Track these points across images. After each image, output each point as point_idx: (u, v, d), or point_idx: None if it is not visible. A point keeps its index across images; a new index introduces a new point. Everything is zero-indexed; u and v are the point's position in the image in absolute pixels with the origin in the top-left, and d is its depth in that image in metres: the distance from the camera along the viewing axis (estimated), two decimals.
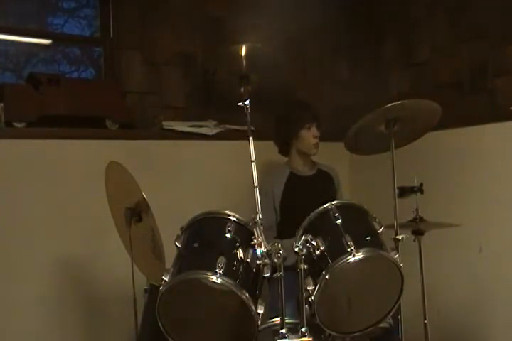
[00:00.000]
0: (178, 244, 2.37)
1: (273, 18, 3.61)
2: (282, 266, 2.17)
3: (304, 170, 3.30)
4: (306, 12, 3.94)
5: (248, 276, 2.27)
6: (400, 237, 2.56)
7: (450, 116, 2.78)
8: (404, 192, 2.79)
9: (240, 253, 2.28)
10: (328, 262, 2.28)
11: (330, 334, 2.34)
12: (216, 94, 3.39)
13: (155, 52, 3.70)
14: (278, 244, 2.18)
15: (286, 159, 3.34)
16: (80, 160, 3.24)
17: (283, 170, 3.29)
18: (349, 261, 2.25)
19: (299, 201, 3.13)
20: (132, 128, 3.49)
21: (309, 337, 2.18)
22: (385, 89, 3.99)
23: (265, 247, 2.18)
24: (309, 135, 3.21)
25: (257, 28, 3.45)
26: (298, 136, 3.22)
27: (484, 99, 3.49)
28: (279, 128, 3.29)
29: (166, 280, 2.21)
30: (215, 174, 3.60)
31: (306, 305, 2.23)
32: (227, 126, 3.67)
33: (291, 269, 2.25)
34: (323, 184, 3.32)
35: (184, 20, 3.76)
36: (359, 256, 2.26)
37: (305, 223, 2.44)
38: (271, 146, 3.33)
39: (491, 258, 3.28)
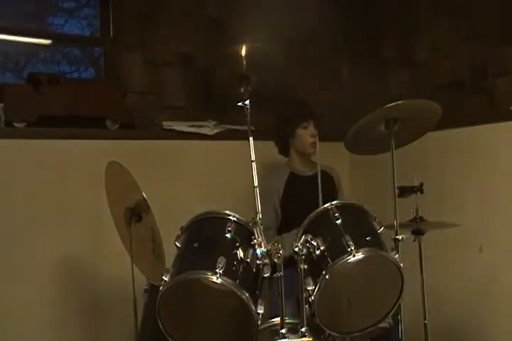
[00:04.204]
0: (178, 244, 2.37)
1: (273, 18, 3.60)
2: (282, 265, 2.18)
3: (304, 170, 3.29)
4: (306, 12, 3.93)
5: (248, 276, 2.27)
6: (400, 237, 2.55)
7: (450, 116, 2.78)
8: (404, 192, 2.79)
9: (240, 253, 2.28)
10: (328, 262, 2.28)
11: (330, 334, 2.34)
12: (216, 94, 3.39)
13: (155, 52, 3.70)
14: (278, 244, 2.18)
15: (286, 159, 3.34)
16: (80, 160, 3.24)
17: (283, 170, 3.29)
18: (349, 261, 2.26)
19: (299, 201, 3.12)
20: (132, 128, 3.50)
21: (309, 337, 2.19)
22: (385, 89, 3.99)
23: (265, 247, 2.18)
24: (306, 133, 3.20)
25: (257, 28, 3.44)
26: (295, 135, 3.23)
27: (484, 99, 3.48)
28: (277, 127, 3.30)
29: (166, 280, 2.21)
30: (215, 174, 3.60)
31: (306, 305, 2.23)
32: (227, 126, 3.67)
33: (291, 265, 2.25)
34: (324, 184, 3.31)
35: (184, 20, 3.76)
36: (359, 256, 2.26)
37: (305, 223, 2.44)
38: (271, 146, 3.34)
39: (491, 258, 3.28)
